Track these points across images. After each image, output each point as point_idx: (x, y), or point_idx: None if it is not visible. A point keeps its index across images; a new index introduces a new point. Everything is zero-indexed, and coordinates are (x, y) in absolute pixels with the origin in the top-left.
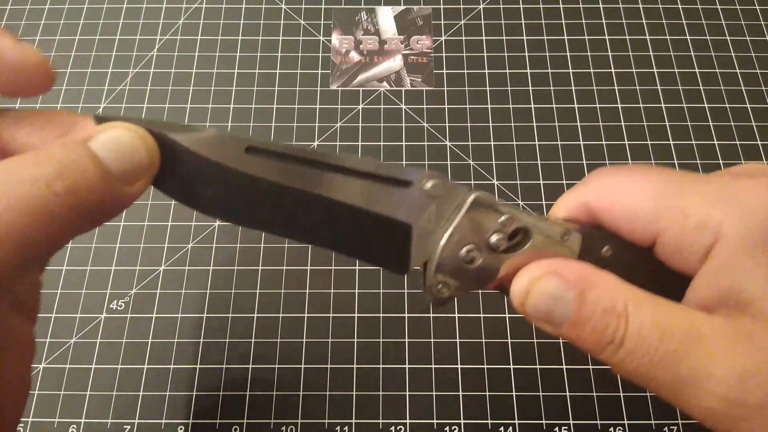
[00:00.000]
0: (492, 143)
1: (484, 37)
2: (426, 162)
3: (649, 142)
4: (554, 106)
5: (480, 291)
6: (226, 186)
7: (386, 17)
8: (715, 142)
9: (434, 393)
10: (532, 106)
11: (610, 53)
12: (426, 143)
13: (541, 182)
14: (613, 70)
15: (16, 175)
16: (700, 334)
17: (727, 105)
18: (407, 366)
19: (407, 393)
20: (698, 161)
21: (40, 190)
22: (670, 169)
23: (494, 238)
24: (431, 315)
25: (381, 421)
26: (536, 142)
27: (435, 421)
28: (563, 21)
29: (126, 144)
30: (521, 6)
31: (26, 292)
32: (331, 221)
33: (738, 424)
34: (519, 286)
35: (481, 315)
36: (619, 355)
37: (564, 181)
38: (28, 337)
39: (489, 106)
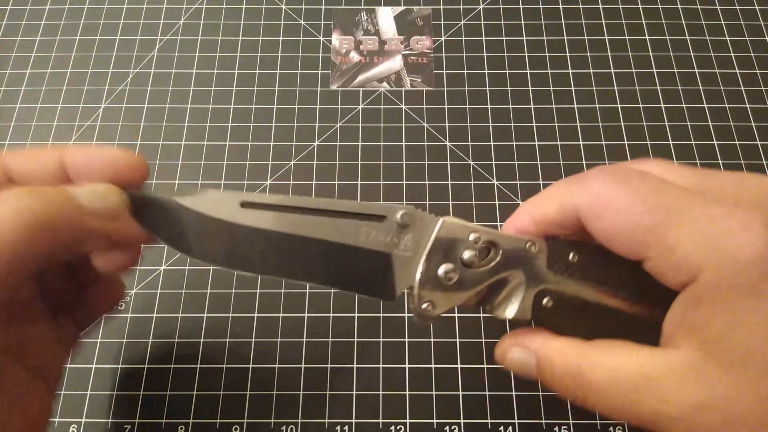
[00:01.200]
0: (492, 143)
1: (483, 38)
2: (426, 162)
3: (648, 143)
4: (554, 106)
5: (464, 308)
6: (228, 237)
7: (386, 18)
8: (715, 143)
9: (434, 393)
10: (532, 106)
11: (609, 53)
12: (426, 143)
13: (541, 182)
14: (612, 71)
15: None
16: (649, 378)
17: (726, 105)
18: (407, 366)
19: (407, 393)
20: (698, 161)
21: (26, 216)
22: (664, 183)
23: (466, 255)
24: None
25: (381, 420)
26: (536, 142)
27: (435, 420)
28: (563, 21)
29: (100, 192)
30: (521, 6)
31: (41, 356)
32: (321, 260)
33: None
34: (497, 353)
35: (481, 315)
36: (587, 404)
37: None
38: (37, 402)
39: (489, 106)
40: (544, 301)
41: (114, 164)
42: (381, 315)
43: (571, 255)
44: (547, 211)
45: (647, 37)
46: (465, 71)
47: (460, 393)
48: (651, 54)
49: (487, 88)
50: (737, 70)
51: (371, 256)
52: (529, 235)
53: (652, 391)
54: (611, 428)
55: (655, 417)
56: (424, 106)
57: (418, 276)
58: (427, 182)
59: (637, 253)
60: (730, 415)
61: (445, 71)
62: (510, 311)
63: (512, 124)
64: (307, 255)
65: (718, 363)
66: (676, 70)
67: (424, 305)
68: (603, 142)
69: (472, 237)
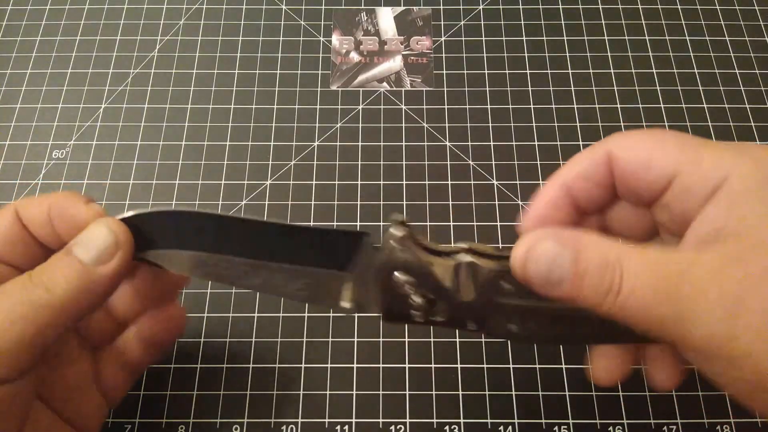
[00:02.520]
0: (491, 143)
1: (483, 38)
2: (426, 162)
3: None
4: (554, 106)
5: None
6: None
7: (386, 18)
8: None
9: (434, 392)
10: (532, 106)
11: (609, 54)
12: (426, 143)
13: (541, 182)
14: (612, 71)
15: (17, 296)
16: (689, 270)
17: (726, 105)
18: (407, 365)
19: (407, 392)
20: None
21: (39, 306)
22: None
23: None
24: None
25: (381, 420)
26: (536, 143)
27: (435, 420)
28: (563, 22)
29: (98, 237)
30: (521, 7)
31: (75, 403)
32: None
33: (732, 345)
34: (518, 251)
35: None
36: (618, 302)
37: None
38: None
39: (488, 106)
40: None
41: (75, 216)
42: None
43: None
44: (577, 167)
45: (647, 38)
46: (465, 71)
47: (460, 393)
48: (650, 54)
49: (487, 89)
50: (737, 71)
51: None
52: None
53: (690, 282)
54: (610, 428)
55: (689, 308)
56: (424, 107)
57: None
58: (427, 182)
59: (668, 170)
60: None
61: (445, 71)
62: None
63: (512, 125)
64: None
65: (752, 257)
66: (675, 71)
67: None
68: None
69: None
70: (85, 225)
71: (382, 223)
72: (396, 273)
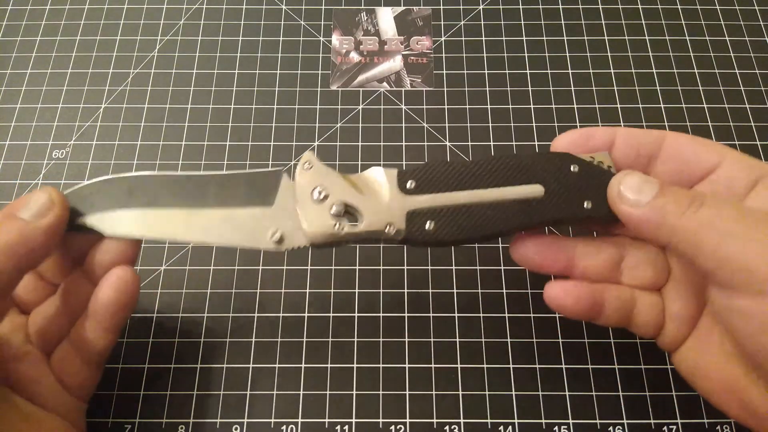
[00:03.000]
0: (492, 143)
1: (483, 38)
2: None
3: None
4: (554, 106)
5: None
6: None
7: (386, 18)
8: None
9: (434, 392)
10: (532, 106)
11: (609, 54)
12: (426, 143)
13: None
14: (612, 71)
15: None
16: (763, 211)
17: (726, 105)
18: (407, 365)
19: (407, 392)
20: None
21: None
22: None
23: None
24: (431, 315)
25: (381, 420)
26: (536, 143)
27: (435, 420)
28: (562, 22)
29: (36, 199)
30: (521, 7)
31: (52, 404)
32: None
33: None
34: (612, 184)
35: (481, 315)
36: (702, 210)
37: None
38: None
39: (488, 106)
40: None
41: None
42: (381, 315)
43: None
44: (635, 131)
45: (647, 38)
46: (465, 71)
47: (460, 392)
48: (650, 54)
49: (487, 88)
50: (737, 71)
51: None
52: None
53: (765, 225)
54: (610, 428)
55: (760, 247)
56: (424, 107)
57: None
58: None
59: (715, 158)
60: None
61: (445, 71)
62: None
63: (512, 125)
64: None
65: None
66: (675, 70)
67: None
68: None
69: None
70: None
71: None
72: (314, 191)
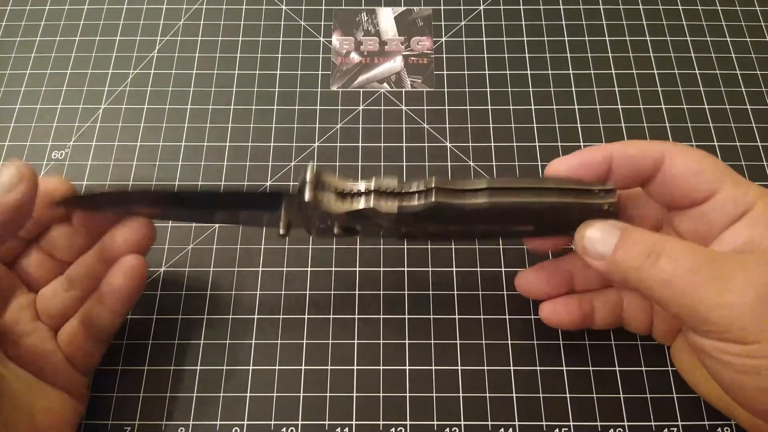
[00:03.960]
0: (492, 144)
1: (484, 39)
2: (426, 163)
3: None
4: (554, 107)
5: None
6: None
7: (387, 18)
8: (715, 144)
9: (434, 394)
10: (533, 107)
11: (610, 54)
12: (426, 144)
13: None
14: (613, 71)
15: None
16: (719, 262)
17: (727, 106)
18: (407, 367)
19: (407, 394)
20: None
21: None
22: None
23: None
24: (431, 316)
25: (381, 422)
26: (536, 144)
27: (435, 422)
28: (563, 22)
29: (5, 174)
30: (521, 7)
31: (55, 377)
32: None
33: (749, 332)
34: (576, 236)
35: (482, 316)
36: (659, 264)
37: None
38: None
39: (489, 107)
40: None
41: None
42: (381, 317)
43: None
44: (630, 151)
45: (648, 38)
46: (466, 72)
47: (461, 394)
48: (652, 55)
49: (488, 89)
50: (738, 71)
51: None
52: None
53: (720, 274)
54: (611, 430)
55: (718, 297)
56: (425, 107)
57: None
58: None
59: (713, 184)
60: None
61: (445, 72)
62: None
63: (513, 125)
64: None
65: None
66: (676, 71)
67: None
68: (604, 143)
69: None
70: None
71: None
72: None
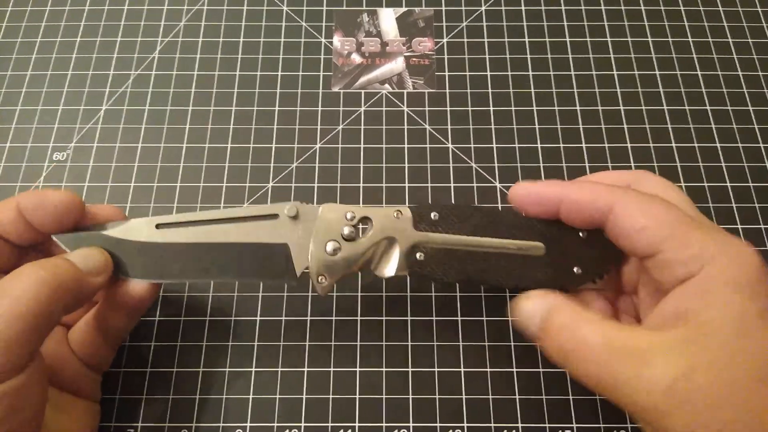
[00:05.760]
0: (494, 146)
1: (486, 39)
2: (428, 165)
3: (651, 145)
4: (556, 108)
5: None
6: (148, 254)
7: (388, 19)
8: (718, 145)
9: (437, 396)
10: (534, 108)
11: (612, 55)
12: (428, 146)
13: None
14: (615, 72)
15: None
16: (638, 346)
17: (729, 107)
18: (410, 369)
19: (410, 396)
20: (701, 163)
21: (40, 288)
22: (683, 210)
23: (346, 231)
24: (434, 318)
25: (384, 424)
26: (539, 145)
27: (438, 424)
28: (565, 23)
29: (91, 255)
30: (523, 8)
31: (69, 379)
32: (231, 259)
33: (667, 418)
34: (512, 305)
35: (484, 318)
36: (571, 361)
37: None
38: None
39: (491, 108)
40: (417, 255)
41: (55, 205)
42: (384, 318)
43: (432, 214)
44: (580, 197)
45: (649, 39)
46: (467, 73)
47: (464, 396)
48: (654, 56)
49: (489, 90)
50: (740, 73)
51: (272, 248)
52: (400, 205)
53: (641, 358)
54: (614, 431)
55: (636, 382)
56: (426, 108)
57: (309, 255)
58: (429, 185)
59: (657, 244)
60: (703, 387)
61: (447, 73)
62: (390, 269)
63: (515, 126)
64: (219, 257)
65: (708, 341)
66: (678, 72)
67: (319, 278)
68: (606, 145)
69: (348, 216)
70: (64, 208)
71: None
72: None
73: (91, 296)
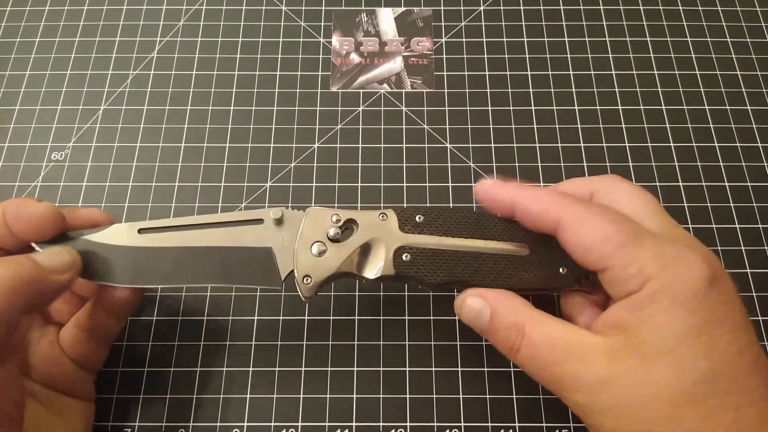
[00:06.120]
0: (492, 145)
1: (484, 39)
2: (426, 164)
3: (649, 144)
4: (555, 108)
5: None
6: (131, 259)
7: (387, 19)
8: (716, 144)
9: (434, 396)
10: (533, 108)
11: (610, 55)
12: (426, 145)
13: (542, 185)
14: (613, 72)
15: None
16: (579, 347)
17: (727, 107)
18: (407, 369)
19: (408, 396)
20: (698, 163)
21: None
22: (632, 221)
23: (331, 232)
24: (431, 318)
25: (381, 424)
26: (537, 144)
27: (435, 424)
28: (564, 23)
29: (56, 253)
30: (521, 7)
31: (63, 381)
32: (215, 264)
33: (595, 417)
34: (456, 304)
35: None
36: (518, 358)
37: None
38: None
39: (489, 108)
40: (404, 256)
41: (32, 217)
42: (381, 318)
43: (417, 217)
44: (531, 206)
45: (648, 39)
46: (466, 73)
47: (461, 396)
48: (652, 55)
49: (488, 90)
50: (738, 72)
51: (255, 252)
52: (382, 208)
53: (577, 358)
54: None
55: (572, 380)
56: (425, 108)
57: (294, 255)
58: (427, 184)
59: (602, 262)
60: (622, 397)
61: (445, 73)
62: (376, 270)
63: (513, 126)
64: (201, 261)
65: (635, 353)
66: (677, 72)
67: (305, 279)
68: (604, 144)
69: (334, 218)
70: (42, 220)
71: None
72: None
73: (56, 293)
